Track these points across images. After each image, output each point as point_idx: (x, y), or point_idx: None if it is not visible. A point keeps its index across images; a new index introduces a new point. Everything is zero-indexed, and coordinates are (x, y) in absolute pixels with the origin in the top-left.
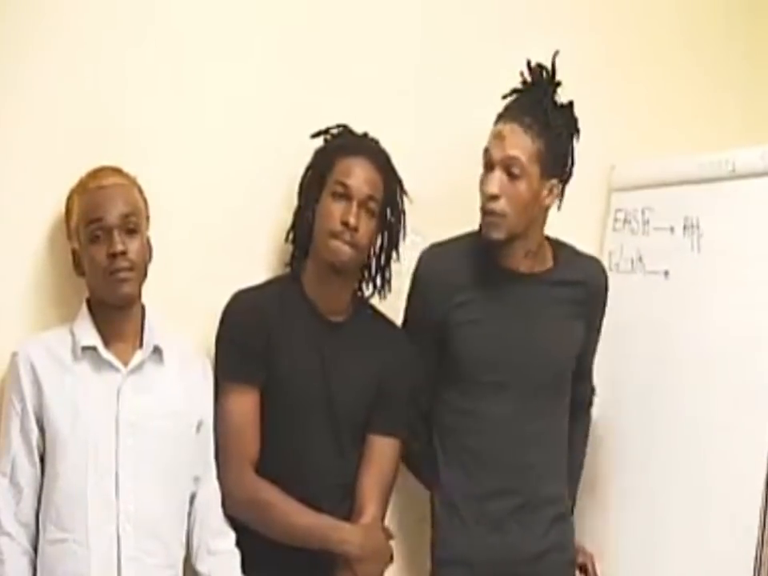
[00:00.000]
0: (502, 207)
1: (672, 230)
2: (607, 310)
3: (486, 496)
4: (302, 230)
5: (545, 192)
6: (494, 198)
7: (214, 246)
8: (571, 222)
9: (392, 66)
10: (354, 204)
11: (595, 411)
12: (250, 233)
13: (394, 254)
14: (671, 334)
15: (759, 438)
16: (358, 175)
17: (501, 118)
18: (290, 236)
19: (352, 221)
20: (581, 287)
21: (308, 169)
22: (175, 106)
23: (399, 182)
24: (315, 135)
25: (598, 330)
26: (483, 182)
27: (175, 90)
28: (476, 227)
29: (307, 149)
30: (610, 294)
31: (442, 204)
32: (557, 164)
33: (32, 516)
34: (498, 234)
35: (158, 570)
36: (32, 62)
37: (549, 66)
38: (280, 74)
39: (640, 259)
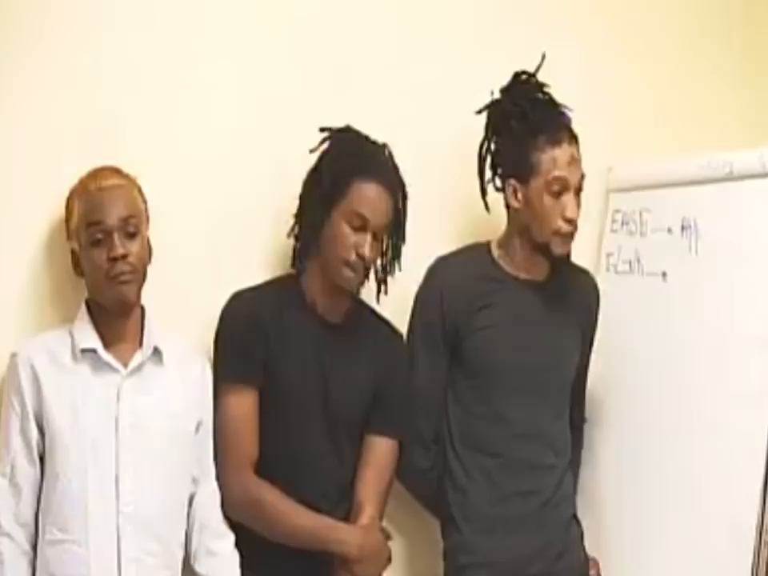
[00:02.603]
0: (576, 221)
1: (670, 231)
2: (605, 310)
3: (509, 498)
4: (308, 236)
5: None
6: (576, 219)
7: (214, 246)
8: None
9: (392, 69)
10: (370, 235)
11: (593, 412)
12: (250, 233)
13: (396, 266)
14: (669, 335)
15: (757, 439)
16: (377, 207)
17: (559, 140)
18: (293, 235)
19: (368, 254)
20: (578, 299)
21: (315, 171)
22: (175, 105)
23: (406, 198)
24: (322, 140)
25: (590, 346)
26: (557, 211)
27: (175, 90)
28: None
29: (308, 149)
30: (608, 294)
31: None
32: None
33: (31, 517)
34: (569, 248)
35: (157, 570)
36: (32, 61)
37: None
38: (281, 72)
39: (638, 260)
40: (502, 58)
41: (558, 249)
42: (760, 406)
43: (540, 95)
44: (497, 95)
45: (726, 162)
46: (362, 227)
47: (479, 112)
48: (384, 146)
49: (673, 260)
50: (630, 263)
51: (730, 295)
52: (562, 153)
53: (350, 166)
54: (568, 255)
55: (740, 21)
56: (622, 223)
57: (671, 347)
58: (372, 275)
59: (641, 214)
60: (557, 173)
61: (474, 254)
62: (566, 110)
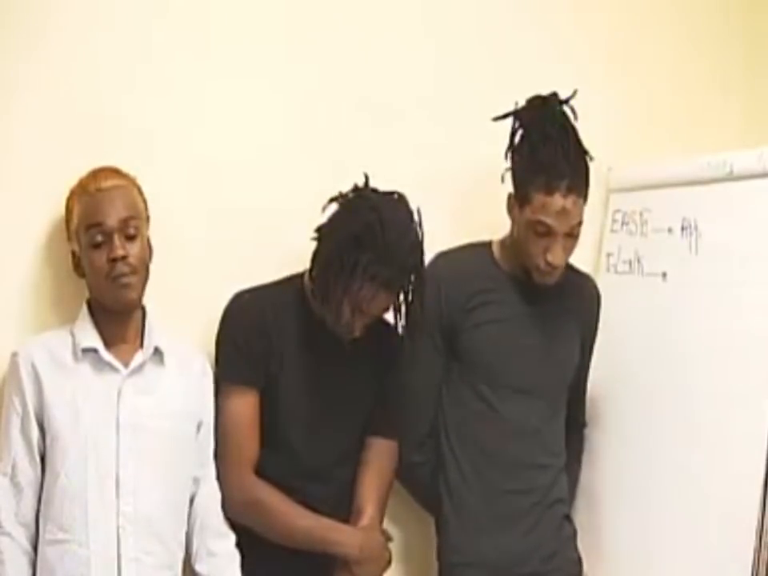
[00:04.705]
0: (562, 265)
1: (670, 231)
2: (605, 311)
3: (500, 496)
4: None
5: None
6: (561, 265)
7: (215, 246)
8: None
9: (403, 82)
10: (362, 318)
11: (593, 412)
12: (251, 233)
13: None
14: (669, 335)
15: (757, 439)
16: (375, 305)
17: (555, 188)
18: (312, 265)
19: (356, 333)
20: (578, 302)
21: (337, 238)
22: (176, 105)
23: (420, 279)
24: (333, 200)
25: (590, 352)
26: (540, 249)
27: (175, 89)
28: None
29: (310, 149)
30: (608, 294)
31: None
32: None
33: (32, 516)
34: (553, 281)
35: (157, 570)
36: (32, 61)
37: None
38: (283, 76)
39: (638, 260)
40: (505, 66)
41: (538, 279)
42: (760, 406)
43: (561, 130)
44: (521, 104)
45: (726, 162)
46: (358, 312)
47: (496, 119)
48: (411, 231)
49: (673, 260)
50: (630, 263)
51: (730, 295)
52: (552, 202)
53: (365, 269)
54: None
55: (740, 21)
56: (622, 223)
57: (671, 347)
58: None
59: (641, 215)
60: (543, 218)
61: (475, 252)
62: (583, 155)
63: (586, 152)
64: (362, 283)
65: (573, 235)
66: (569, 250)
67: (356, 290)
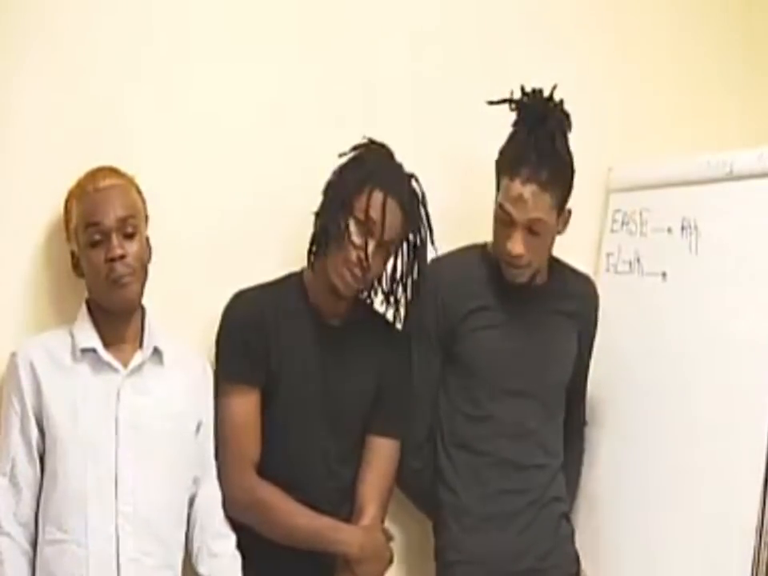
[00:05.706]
0: (527, 260)
1: (670, 231)
2: (605, 310)
3: (496, 496)
4: (319, 237)
5: (560, 225)
6: (520, 256)
7: (215, 246)
8: (569, 223)
9: (403, 82)
10: (374, 243)
11: (592, 412)
12: (251, 232)
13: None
14: (669, 335)
15: (757, 440)
16: (384, 219)
17: (516, 174)
18: (316, 234)
19: (371, 261)
20: (575, 303)
21: (343, 170)
22: (175, 105)
23: (425, 223)
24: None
25: (590, 353)
26: (503, 237)
27: (175, 89)
28: (477, 237)
29: (310, 151)
30: (608, 294)
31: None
32: (568, 194)
33: (31, 516)
34: (522, 279)
35: (156, 571)
36: (31, 61)
37: (548, 91)
38: (281, 76)
39: (638, 260)
40: (505, 66)
41: (506, 274)
42: (760, 406)
43: (543, 124)
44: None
45: (726, 161)
46: (368, 232)
47: (491, 103)
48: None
49: (673, 260)
50: (630, 263)
51: (730, 295)
52: (512, 186)
53: (368, 176)
54: (529, 282)
55: (740, 21)
56: (622, 223)
57: (671, 347)
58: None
59: (641, 214)
60: (503, 202)
61: (470, 255)
62: (559, 154)
63: (567, 151)
64: (372, 188)
65: (535, 232)
66: (532, 247)
67: (365, 199)
